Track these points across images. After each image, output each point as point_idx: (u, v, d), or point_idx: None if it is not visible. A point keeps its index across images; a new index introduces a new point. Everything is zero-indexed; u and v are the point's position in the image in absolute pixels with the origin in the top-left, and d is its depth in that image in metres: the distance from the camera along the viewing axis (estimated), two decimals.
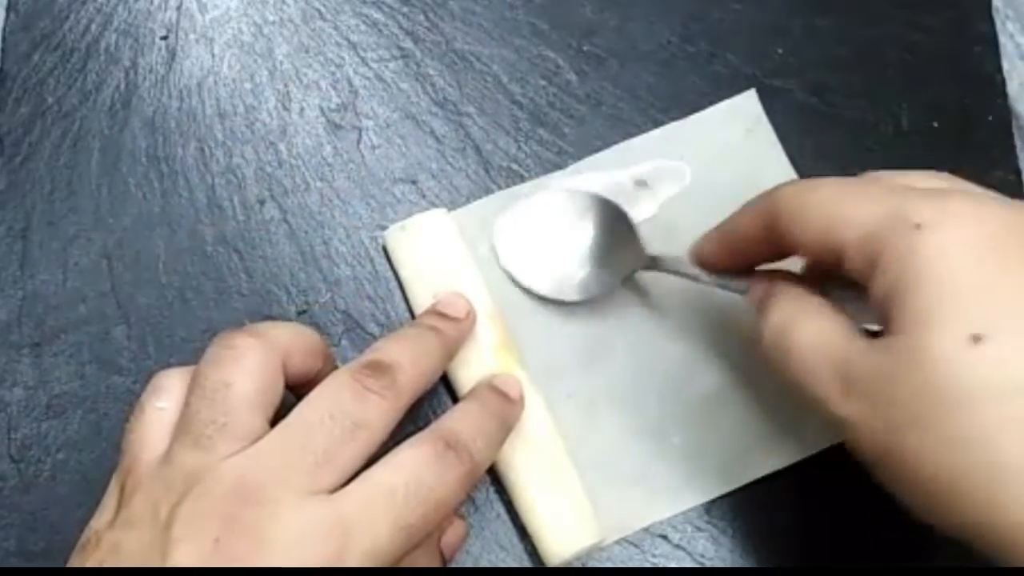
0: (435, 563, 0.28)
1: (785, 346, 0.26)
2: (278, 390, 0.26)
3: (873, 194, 0.24)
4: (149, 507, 0.24)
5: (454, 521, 0.30)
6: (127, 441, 0.26)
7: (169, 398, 0.26)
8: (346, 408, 0.25)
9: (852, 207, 0.24)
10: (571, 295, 0.34)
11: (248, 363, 0.26)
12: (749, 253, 0.29)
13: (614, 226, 0.34)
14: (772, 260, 0.29)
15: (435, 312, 0.32)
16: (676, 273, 0.32)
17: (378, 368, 0.27)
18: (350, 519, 0.24)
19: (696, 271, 0.31)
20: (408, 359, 0.28)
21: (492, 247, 0.35)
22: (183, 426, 0.25)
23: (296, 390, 0.27)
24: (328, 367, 0.29)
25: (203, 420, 0.25)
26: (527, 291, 0.34)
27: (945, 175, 0.27)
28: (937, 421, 0.21)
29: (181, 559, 0.22)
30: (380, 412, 0.26)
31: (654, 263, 0.33)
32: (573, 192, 0.35)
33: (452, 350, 0.31)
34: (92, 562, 0.24)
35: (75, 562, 0.25)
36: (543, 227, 0.35)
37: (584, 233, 0.35)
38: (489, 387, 0.31)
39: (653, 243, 0.34)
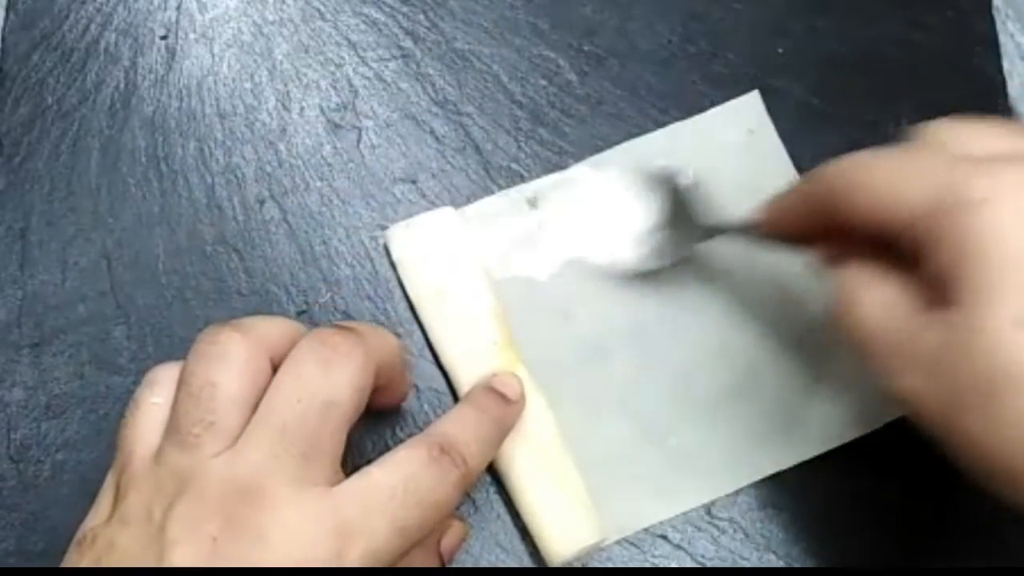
0: (433, 564, 0.28)
1: (850, 315, 0.25)
2: (264, 383, 0.26)
3: (926, 170, 0.24)
4: (143, 507, 0.24)
5: (453, 523, 0.30)
6: (121, 436, 0.26)
7: (163, 392, 0.26)
8: (315, 386, 0.25)
9: (905, 187, 0.24)
10: (645, 264, 0.34)
11: (233, 360, 0.25)
12: (802, 231, 0.28)
13: (674, 199, 0.35)
14: (826, 239, 0.28)
15: None
16: (743, 238, 0.32)
17: (342, 328, 0.27)
18: (349, 519, 0.24)
19: (759, 238, 0.31)
20: (364, 326, 0.28)
21: (539, 221, 0.35)
22: (172, 425, 0.25)
23: None
24: None
25: (191, 419, 0.25)
26: (588, 265, 0.35)
27: (1014, 128, 0.25)
28: (992, 403, 0.21)
29: (179, 561, 0.22)
30: (348, 379, 0.25)
31: (718, 231, 0.33)
32: (625, 172, 0.36)
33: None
34: (87, 559, 0.24)
35: (71, 559, 0.25)
36: (599, 205, 0.35)
37: (643, 208, 0.35)
38: (486, 389, 0.31)
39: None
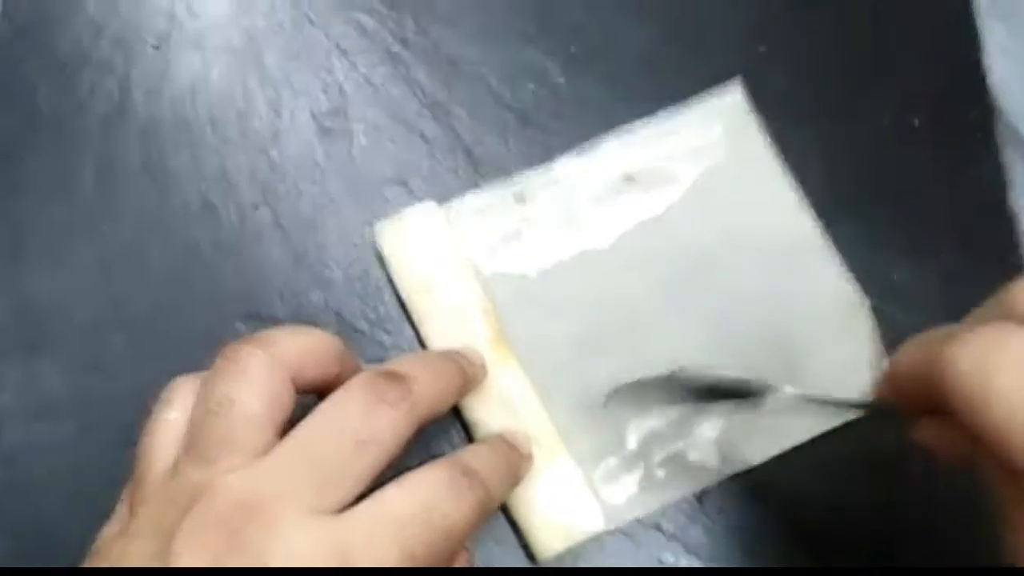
0: None
1: (983, 392, 0.20)
2: (286, 402, 0.26)
3: None
4: (153, 520, 0.24)
5: (461, 553, 0.28)
6: (139, 450, 0.26)
7: (179, 407, 0.26)
8: (356, 423, 0.25)
9: None
10: None
11: (252, 377, 0.25)
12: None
13: None
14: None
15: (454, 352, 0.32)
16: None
17: (393, 377, 0.26)
18: (353, 544, 0.23)
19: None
20: (424, 373, 0.27)
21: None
22: (190, 440, 0.25)
23: (321, 393, 0.27)
24: (349, 369, 0.28)
25: (207, 435, 0.24)
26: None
27: None
28: None
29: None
30: (391, 424, 0.25)
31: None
32: None
33: (468, 381, 0.31)
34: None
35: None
36: None
37: None
38: (499, 437, 0.31)
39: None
